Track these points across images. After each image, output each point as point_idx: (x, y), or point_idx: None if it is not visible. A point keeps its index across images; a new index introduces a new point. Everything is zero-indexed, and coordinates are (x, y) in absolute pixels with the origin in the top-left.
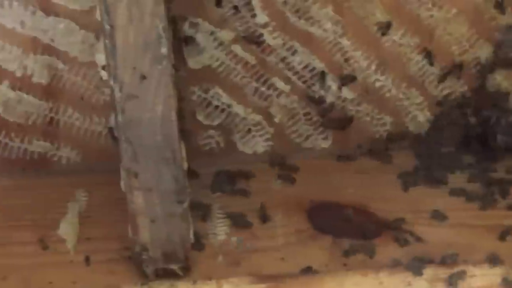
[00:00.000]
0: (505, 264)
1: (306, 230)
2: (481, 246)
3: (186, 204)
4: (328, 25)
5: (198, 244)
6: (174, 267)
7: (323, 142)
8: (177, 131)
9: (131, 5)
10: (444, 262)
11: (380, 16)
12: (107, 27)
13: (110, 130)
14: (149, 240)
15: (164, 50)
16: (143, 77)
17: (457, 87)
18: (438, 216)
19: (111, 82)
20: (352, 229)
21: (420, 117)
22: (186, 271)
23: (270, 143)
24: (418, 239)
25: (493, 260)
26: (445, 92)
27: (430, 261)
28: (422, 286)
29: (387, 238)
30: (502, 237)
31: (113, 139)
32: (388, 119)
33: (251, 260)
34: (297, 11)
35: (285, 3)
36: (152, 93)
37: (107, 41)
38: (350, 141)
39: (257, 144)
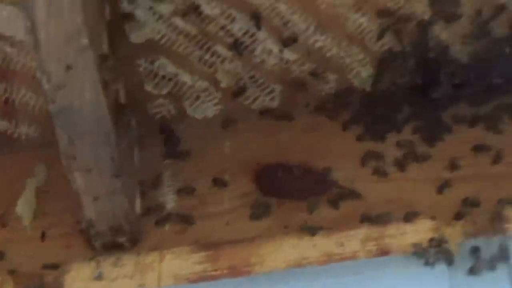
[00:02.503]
0: (437, 219)
1: (252, 193)
2: (419, 200)
3: (125, 179)
4: None
5: (148, 214)
6: (121, 239)
7: (270, 103)
8: (108, 113)
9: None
10: (377, 221)
11: None
12: (28, 23)
13: None
14: (94, 216)
15: (85, 41)
16: (69, 68)
17: (397, 42)
18: (381, 171)
19: (39, 75)
20: (296, 190)
21: (363, 73)
22: (134, 242)
23: (220, 107)
24: (359, 196)
25: (427, 215)
26: (386, 47)
27: (366, 220)
28: (354, 247)
29: (330, 196)
30: (440, 190)
31: None
32: (332, 76)
33: (198, 228)
34: None
35: None
36: (78, 81)
37: (30, 36)
38: (298, 100)
39: (207, 109)
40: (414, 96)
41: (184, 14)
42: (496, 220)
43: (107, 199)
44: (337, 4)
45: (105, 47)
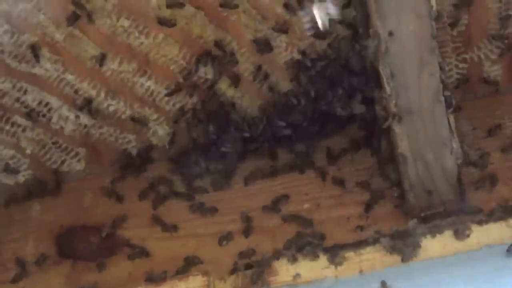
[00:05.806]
0: (211, 275)
1: (50, 257)
2: (201, 255)
3: None
4: (48, 65)
5: None
6: None
7: (77, 164)
8: None
9: None
10: (156, 279)
11: (93, 51)
12: None
13: None
14: None
15: None
16: None
17: (187, 100)
18: (170, 228)
19: None
20: (89, 251)
21: (160, 131)
22: None
23: (30, 171)
24: (147, 254)
25: (204, 272)
26: (178, 106)
27: (149, 279)
28: None
29: (122, 256)
30: (220, 243)
31: None
32: (131, 137)
33: None
34: (15, 56)
35: (2, 51)
36: None
37: None
38: (103, 160)
39: (18, 175)
40: (209, 152)
41: None
42: (265, 273)
43: None
44: (121, 71)
45: None
